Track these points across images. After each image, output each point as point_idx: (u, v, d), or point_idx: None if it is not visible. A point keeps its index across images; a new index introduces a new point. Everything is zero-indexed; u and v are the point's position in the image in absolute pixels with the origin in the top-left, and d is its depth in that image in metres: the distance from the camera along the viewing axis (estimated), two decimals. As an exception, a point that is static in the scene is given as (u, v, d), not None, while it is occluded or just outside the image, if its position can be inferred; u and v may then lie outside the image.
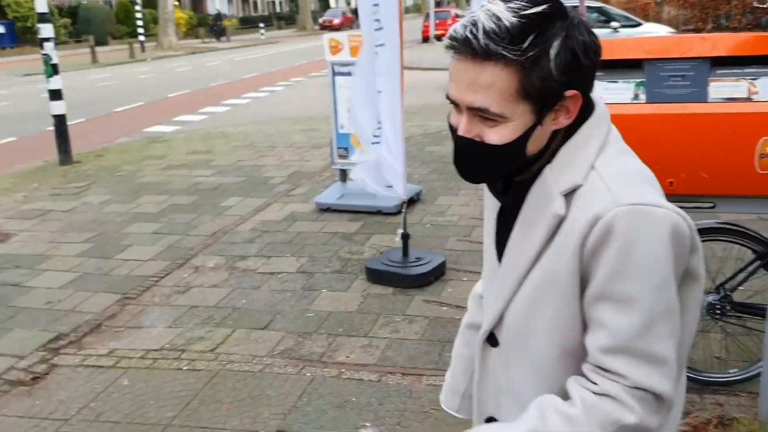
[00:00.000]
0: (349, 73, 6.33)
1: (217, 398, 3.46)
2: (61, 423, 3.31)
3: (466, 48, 1.11)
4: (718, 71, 2.43)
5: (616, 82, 2.50)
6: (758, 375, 3.06)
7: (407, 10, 73.02)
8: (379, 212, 6.30)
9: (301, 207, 6.67)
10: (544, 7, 1.08)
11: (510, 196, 1.27)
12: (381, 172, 4.53)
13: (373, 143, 4.51)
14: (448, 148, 9.22)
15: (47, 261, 5.51)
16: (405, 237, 4.88)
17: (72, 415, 3.37)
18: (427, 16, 32.00)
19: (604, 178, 1.14)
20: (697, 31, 22.40)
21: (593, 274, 1.13)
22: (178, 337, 4.13)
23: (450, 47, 1.15)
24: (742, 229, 3.18)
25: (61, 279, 5.13)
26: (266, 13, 60.08)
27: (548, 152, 1.19)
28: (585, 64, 1.12)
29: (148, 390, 3.57)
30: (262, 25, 42.36)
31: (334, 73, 6.44)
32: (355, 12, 50.95)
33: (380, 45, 4.37)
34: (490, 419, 1.39)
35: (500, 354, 1.33)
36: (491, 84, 1.09)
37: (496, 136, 1.13)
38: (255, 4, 61.84)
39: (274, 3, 64.86)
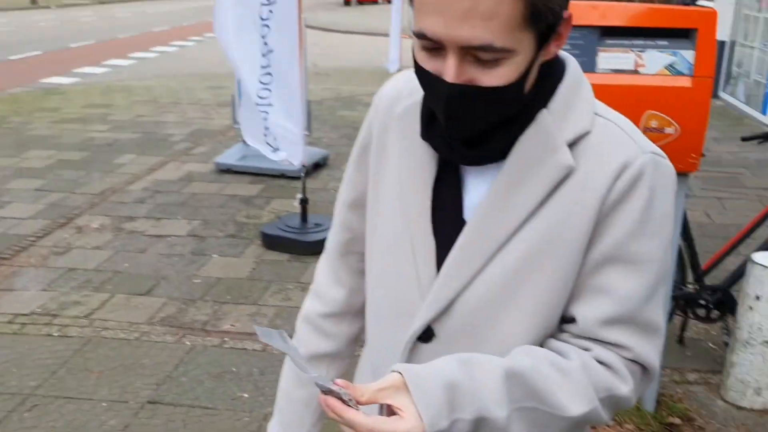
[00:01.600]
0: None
1: (87, 367, 3.25)
2: None
3: None
4: (608, 41, 2.38)
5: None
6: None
7: (331, -28, 71.61)
8: (282, 175, 6.11)
9: (200, 167, 6.40)
10: None
11: (483, 150, 0.99)
12: (265, 135, 4.33)
13: (257, 104, 4.29)
14: (360, 113, 9.01)
15: None
16: (304, 202, 4.74)
17: None
18: (350, -22, 31.42)
19: (618, 124, 0.99)
20: None
21: (607, 231, 0.97)
22: (51, 301, 3.86)
23: None
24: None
25: (-73, 236, 4.72)
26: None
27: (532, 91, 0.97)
28: None
29: (11, 357, 3.32)
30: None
31: (238, 29, 6.14)
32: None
33: (272, 2, 4.13)
34: None
35: (435, 351, 1.04)
36: (495, 13, 0.83)
37: (497, 76, 0.88)
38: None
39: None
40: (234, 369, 3.26)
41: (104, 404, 2.97)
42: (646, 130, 2.40)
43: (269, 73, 4.18)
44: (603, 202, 0.95)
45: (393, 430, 0.84)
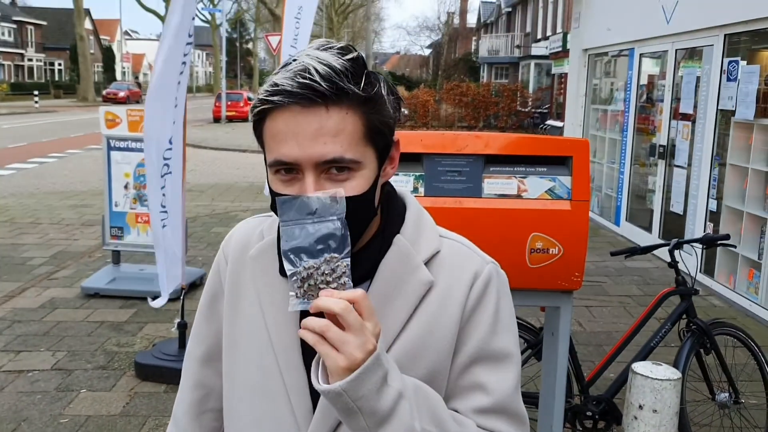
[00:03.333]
0: (126, 148, 5.94)
1: None
2: None
3: (304, 96, 0.96)
4: (492, 168, 2.51)
5: (397, 174, 2.48)
6: (532, 464, 3.12)
7: (198, 89, 72.59)
8: (155, 298, 5.81)
9: (64, 292, 5.99)
10: (357, 53, 1.02)
11: None
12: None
13: (162, 226, 4.15)
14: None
15: None
16: (182, 326, 4.51)
17: None
18: (219, 96, 31.83)
19: (461, 242, 1.15)
20: (470, 128, 24.62)
21: (469, 335, 1.09)
22: None
23: (276, 102, 0.97)
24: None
25: None
26: (42, 80, 56.22)
27: (373, 227, 1.09)
28: (397, 116, 1.08)
29: None
30: (36, 92, 39.34)
31: (110, 148, 5.99)
32: (141, 86, 49.48)
33: (173, 122, 4.09)
34: None
35: None
36: (340, 129, 0.97)
37: (350, 188, 0.99)
38: (30, 69, 57.70)
39: (53, 70, 60.96)
40: None
41: None
42: (533, 252, 2.51)
43: (164, 195, 4.07)
44: (463, 309, 1.08)
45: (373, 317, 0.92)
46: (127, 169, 6.02)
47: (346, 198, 0.96)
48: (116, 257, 6.30)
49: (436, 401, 1.02)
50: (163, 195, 4.05)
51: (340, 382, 0.90)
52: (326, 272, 0.92)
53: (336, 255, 0.92)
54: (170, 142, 3.99)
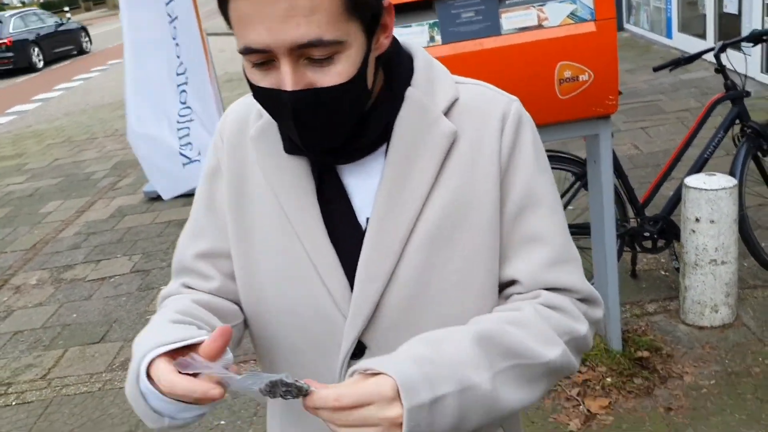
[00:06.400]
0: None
1: (54, 429, 3.14)
2: None
3: None
4: (507, 2, 2.38)
5: (409, 26, 2.39)
6: (594, 291, 3.17)
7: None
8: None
9: (129, 200, 6.23)
10: None
11: (359, 142, 0.96)
12: (181, 152, 4.24)
13: (180, 127, 4.19)
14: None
15: None
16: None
17: None
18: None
19: (480, 84, 1.02)
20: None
21: (514, 181, 0.98)
22: (2, 370, 3.71)
23: None
24: (559, 154, 3.24)
25: None
26: (71, -5, 55.70)
27: (377, 85, 0.97)
28: None
29: (-28, 438, 3.18)
30: (67, 8, 39.14)
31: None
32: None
33: (174, 18, 4.03)
34: None
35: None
36: (315, 6, 0.81)
37: (335, 73, 0.85)
38: (56, -15, 57.09)
39: (78, -18, 60.16)
40: (206, 398, 3.19)
41: (80, 464, 2.88)
42: (562, 82, 2.42)
43: (185, 90, 4.09)
44: (499, 155, 0.97)
45: (377, 392, 0.78)
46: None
47: (332, 87, 0.85)
48: (170, 158, 6.45)
49: (497, 333, 0.91)
50: (184, 92, 4.05)
51: None
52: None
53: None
54: (174, 39, 3.94)
